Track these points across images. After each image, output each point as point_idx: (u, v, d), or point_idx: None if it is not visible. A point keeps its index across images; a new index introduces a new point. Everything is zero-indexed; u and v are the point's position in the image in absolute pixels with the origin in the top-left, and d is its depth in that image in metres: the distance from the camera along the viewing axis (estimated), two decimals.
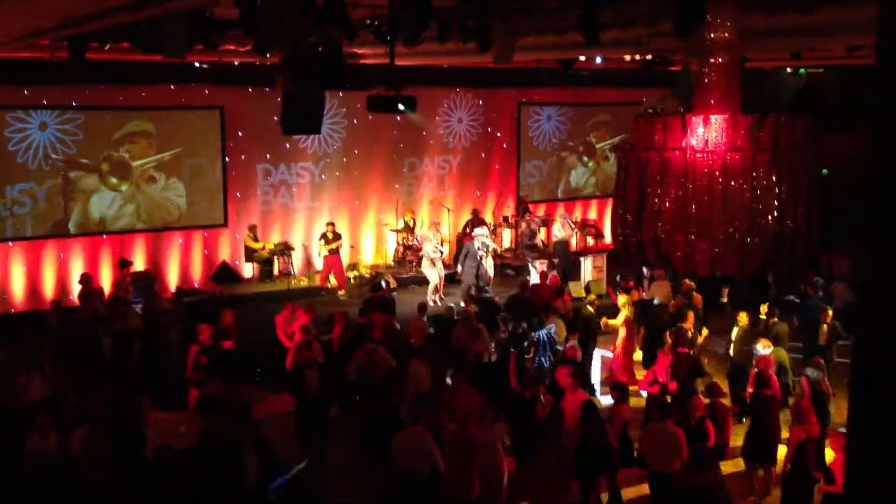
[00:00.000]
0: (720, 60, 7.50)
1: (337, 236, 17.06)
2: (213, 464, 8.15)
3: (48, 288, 15.50)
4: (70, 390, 10.12)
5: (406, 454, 8.30)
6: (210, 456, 8.30)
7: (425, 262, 16.27)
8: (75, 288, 14.66)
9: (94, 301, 13.42)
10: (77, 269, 15.50)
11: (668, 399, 9.68)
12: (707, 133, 7.30)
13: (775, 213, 7.11)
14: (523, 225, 18.98)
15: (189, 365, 10.91)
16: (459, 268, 16.46)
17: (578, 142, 21.55)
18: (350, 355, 10.97)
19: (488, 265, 16.37)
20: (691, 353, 11.13)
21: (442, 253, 16.40)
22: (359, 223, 18.70)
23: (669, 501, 8.32)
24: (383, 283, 14.98)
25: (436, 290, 16.20)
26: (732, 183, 7.09)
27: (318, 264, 17.50)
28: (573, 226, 19.50)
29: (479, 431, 8.35)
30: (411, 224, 18.53)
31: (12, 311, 15.11)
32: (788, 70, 19.79)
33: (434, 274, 16.18)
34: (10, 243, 15.17)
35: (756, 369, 10.15)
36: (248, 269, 17.37)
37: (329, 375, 10.39)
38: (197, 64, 15.21)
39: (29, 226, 15.29)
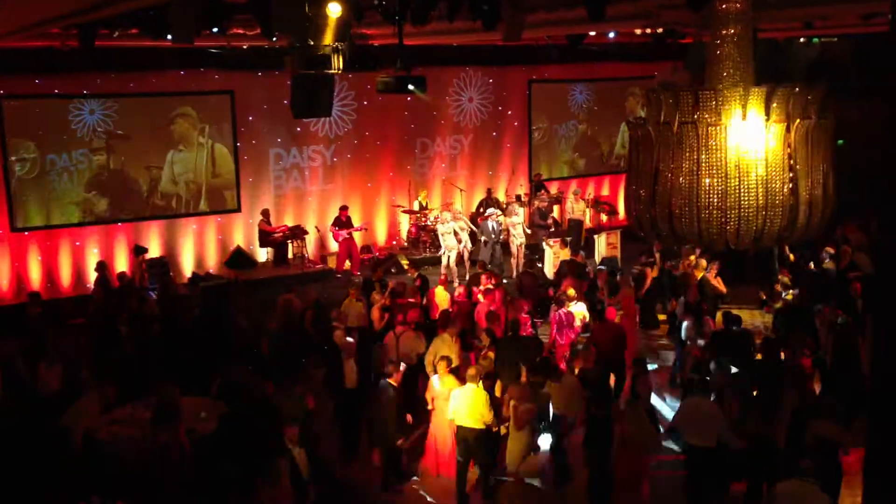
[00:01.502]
0: (732, 32, 7.41)
1: (349, 220, 17.10)
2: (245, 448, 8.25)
3: (65, 277, 15.62)
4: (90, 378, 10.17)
5: (463, 412, 8.80)
6: (233, 440, 8.39)
7: (445, 243, 16.18)
8: (91, 276, 14.79)
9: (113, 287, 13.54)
10: (93, 257, 15.61)
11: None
12: (720, 107, 7.24)
13: (790, 185, 7.05)
14: (535, 203, 18.93)
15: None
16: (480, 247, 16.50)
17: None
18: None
19: (517, 244, 16.42)
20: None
21: (458, 234, 16.31)
22: (371, 205, 18.70)
23: (707, 474, 8.41)
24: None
25: (449, 271, 16.13)
26: (746, 155, 7.04)
27: (333, 247, 17.54)
28: (587, 202, 19.49)
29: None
30: (425, 204, 18.52)
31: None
32: (802, 40, 19.54)
33: (447, 256, 16.12)
34: (26, 233, 15.28)
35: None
36: (262, 254, 17.43)
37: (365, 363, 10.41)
38: (205, 49, 15.18)
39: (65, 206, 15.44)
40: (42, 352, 11.13)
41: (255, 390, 9.44)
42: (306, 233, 17.47)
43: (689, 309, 11.27)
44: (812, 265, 13.95)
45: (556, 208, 19.75)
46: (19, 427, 8.61)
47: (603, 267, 14.50)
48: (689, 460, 8.53)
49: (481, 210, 18.10)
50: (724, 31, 7.47)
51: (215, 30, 11.63)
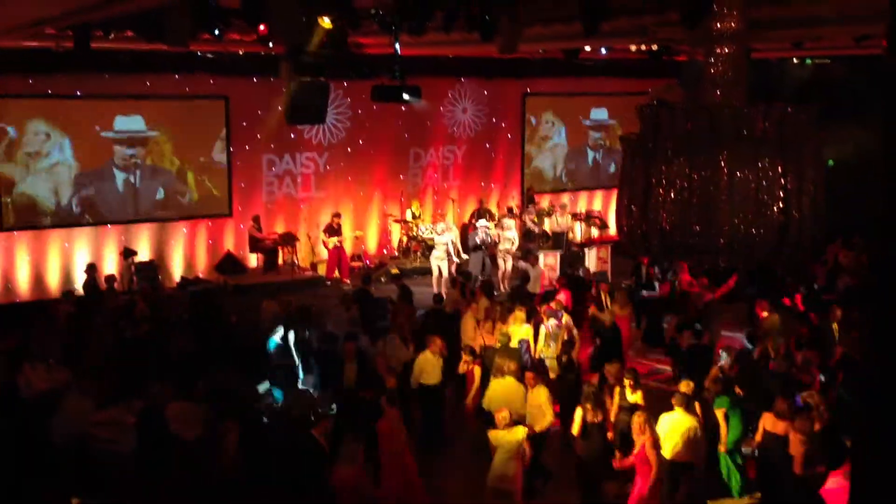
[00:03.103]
0: (726, 51, 7.44)
1: (341, 228, 17.10)
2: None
3: (53, 278, 15.53)
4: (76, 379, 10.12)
5: (497, 401, 9.12)
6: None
7: (436, 254, 16.12)
8: (80, 277, 14.70)
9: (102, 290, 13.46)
10: (82, 258, 15.52)
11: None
12: (713, 124, 7.25)
13: (781, 205, 7.06)
14: (525, 216, 18.97)
15: None
16: (466, 257, 16.49)
17: None
18: None
19: (505, 260, 16.36)
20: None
21: (452, 245, 16.29)
22: (363, 213, 18.69)
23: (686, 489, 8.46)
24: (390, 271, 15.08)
25: (441, 282, 16.11)
26: (738, 174, 7.04)
27: (323, 254, 17.50)
28: (574, 216, 19.53)
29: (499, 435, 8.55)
30: (418, 214, 18.52)
31: (17, 300, 15.15)
32: (795, 61, 19.68)
33: (438, 267, 16.07)
34: (15, 232, 15.20)
35: None
36: (252, 260, 17.38)
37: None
38: (199, 53, 15.16)
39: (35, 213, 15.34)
40: (72, 351, 11.23)
41: (243, 393, 9.45)
42: (297, 240, 17.44)
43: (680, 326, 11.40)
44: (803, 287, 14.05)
45: (546, 221, 19.77)
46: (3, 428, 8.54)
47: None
48: (669, 476, 8.54)
49: (472, 221, 18.11)
50: (718, 50, 7.48)
51: (217, 32, 11.58)
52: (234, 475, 8.34)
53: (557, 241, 18.25)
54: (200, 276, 16.59)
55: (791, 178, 7.20)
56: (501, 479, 8.44)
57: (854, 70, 18.28)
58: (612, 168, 21.36)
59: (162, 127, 16.36)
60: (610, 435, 8.87)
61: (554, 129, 21.19)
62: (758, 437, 8.75)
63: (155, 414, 8.71)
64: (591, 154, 21.77)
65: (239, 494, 8.21)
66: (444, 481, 9.67)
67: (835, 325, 11.66)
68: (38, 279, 15.40)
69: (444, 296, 13.93)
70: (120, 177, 16.09)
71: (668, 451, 8.46)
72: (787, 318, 12.39)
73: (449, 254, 16.09)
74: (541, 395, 9.21)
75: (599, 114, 21.71)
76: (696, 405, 9.02)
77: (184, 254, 16.80)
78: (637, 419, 8.41)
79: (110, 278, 13.92)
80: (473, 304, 12.05)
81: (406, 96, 11.29)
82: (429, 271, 16.52)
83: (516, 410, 9.01)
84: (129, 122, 16.04)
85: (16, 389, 9.92)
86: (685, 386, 9.11)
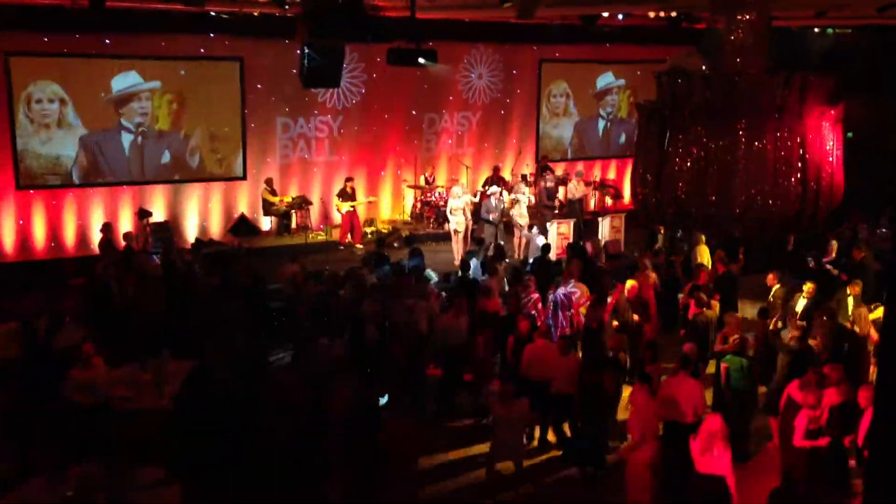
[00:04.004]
0: (747, 18, 7.36)
1: (354, 193, 17.11)
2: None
3: (69, 237, 15.65)
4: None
5: (535, 365, 9.62)
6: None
7: (455, 218, 16.09)
8: (96, 236, 14.80)
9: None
10: (97, 218, 15.61)
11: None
12: (732, 93, 7.20)
13: (798, 176, 7.04)
14: (541, 184, 18.88)
15: None
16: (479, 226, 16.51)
17: None
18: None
19: (519, 228, 16.34)
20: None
21: (465, 210, 16.29)
22: (377, 178, 18.67)
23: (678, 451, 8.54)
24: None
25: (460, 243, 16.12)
26: (756, 143, 7.01)
27: (337, 219, 17.53)
28: (589, 185, 19.43)
29: (502, 409, 8.56)
30: (431, 180, 18.49)
31: (34, 258, 15.27)
32: (816, 30, 19.42)
33: (456, 230, 16.08)
34: (31, 191, 15.29)
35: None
36: (266, 223, 17.44)
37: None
38: (214, 13, 15.08)
39: (53, 173, 15.42)
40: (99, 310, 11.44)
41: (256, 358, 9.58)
42: (310, 203, 17.47)
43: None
44: (812, 262, 13.98)
45: (561, 189, 19.70)
46: (36, 385, 8.65)
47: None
48: (664, 436, 8.61)
49: (485, 188, 18.07)
50: (739, 17, 7.41)
51: None
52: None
53: (572, 209, 18.20)
54: (214, 238, 16.66)
55: (809, 148, 7.17)
56: (510, 452, 8.54)
57: (875, 40, 18.04)
58: (623, 138, 21.30)
59: (176, 87, 16.33)
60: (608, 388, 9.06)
61: (567, 102, 20.98)
62: (781, 404, 8.83)
63: (207, 373, 8.88)
64: (601, 124, 21.60)
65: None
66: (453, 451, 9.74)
67: (850, 299, 11.58)
68: (54, 238, 15.52)
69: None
70: (131, 137, 16.10)
71: (672, 415, 8.52)
72: (797, 288, 12.30)
73: (466, 216, 16.10)
74: (570, 360, 9.61)
75: (606, 78, 21.46)
76: (700, 368, 9.17)
77: (198, 216, 16.87)
78: (636, 386, 8.50)
79: (128, 236, 13.99)
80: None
81: (422, 60, 11.20)
82: (442, 237, 16.53)
83: (552, 369, 9.49)
84: (140, 82, 15.99)
85: (38, 349, 10.06)
86: (690, 350, 9.18)
